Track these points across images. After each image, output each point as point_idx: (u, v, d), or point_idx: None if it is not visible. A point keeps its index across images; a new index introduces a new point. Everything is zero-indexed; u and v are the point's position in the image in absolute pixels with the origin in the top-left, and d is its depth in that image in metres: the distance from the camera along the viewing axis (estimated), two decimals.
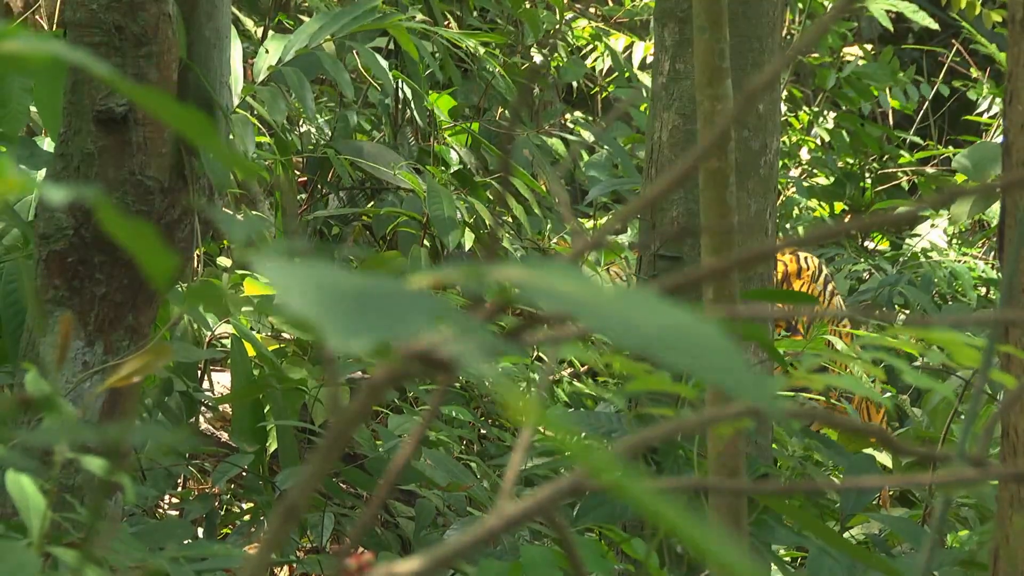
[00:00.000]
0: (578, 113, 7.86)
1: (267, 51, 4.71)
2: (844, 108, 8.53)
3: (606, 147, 7.34)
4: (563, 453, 4.11)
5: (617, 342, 0.71)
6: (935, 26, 8.26)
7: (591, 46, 7.82)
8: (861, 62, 8.38)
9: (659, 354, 0.70)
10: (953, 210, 6.18)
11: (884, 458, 5.03)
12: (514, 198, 5.64)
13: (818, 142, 8.37)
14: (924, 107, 9.06)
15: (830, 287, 6.00)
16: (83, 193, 0.79)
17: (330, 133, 6.01)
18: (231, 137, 3.42)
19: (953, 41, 8.92)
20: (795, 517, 1.84)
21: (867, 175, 8.48)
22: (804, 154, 8.29)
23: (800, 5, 8.27)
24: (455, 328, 0.76)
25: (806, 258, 5.98)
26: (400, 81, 5.80)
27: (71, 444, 1.78)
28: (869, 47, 8.61)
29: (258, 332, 4.51)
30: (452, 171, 5.94)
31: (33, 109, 3.79)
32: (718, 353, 0.72)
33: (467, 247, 5.37)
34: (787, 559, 3.83)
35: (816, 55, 8.35)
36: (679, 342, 0.72)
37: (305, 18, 6.17)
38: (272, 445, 4.09)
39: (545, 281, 0.74)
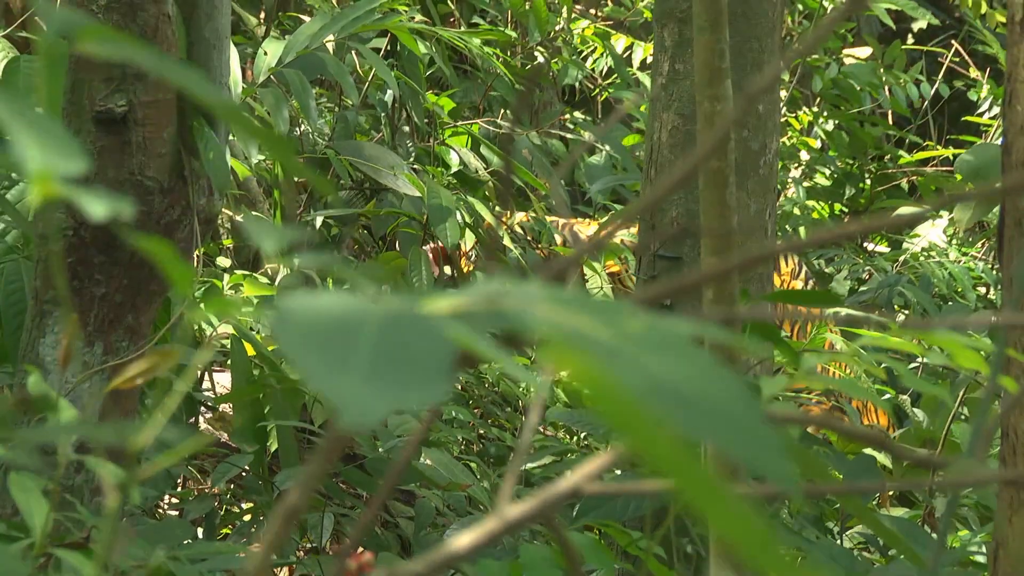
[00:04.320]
0: (578, 114, 7.85)
1: (265, 53, 4.70)
2: (841, 109, 8.52)
3: (606, 148, 7.33)
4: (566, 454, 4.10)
5: (635, 394, 0.69)
6: (936, 22, 8.26)
7: (591, 47, 7.81)
8: (864, 62, 8.37)
9: (680, 424, 0.68)
10: (955, 213, 6.17)
11: (884, 458, 5.02)
12: (519, 196, 5.64)
13: (818, 143, 8.37)
14: (924, 106, 9.06)
15: (811, 285, 6.00)
16: (116, 208, 0.79)
17: (330, 133, 6.00)
18: (232, 138, 3.42)
19: (953, 41, 8.92)
20: (845, 503, 1.85)
21: (866, 175, 8.47)
22: (803, 155, 8.28)
23: (799, 6, 8.26)
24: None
25: (785, 256, 5.98)
26: (400, 82, 5.80)
27: (74, 445, 1.77)
28: (870, 51, 8.60)
29: (258, 332, 4.51)
30: (452, 172, 5.94)
31: None
32: (742, 423, 0.70)
33: (467, 246, 5.37)
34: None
35: (816, 56, 8.34)
36: (702, 409, 0.69)
37: (306, 18, 6.17)
38: (272, 445, 4.09)
39: (573, 320, 0.73)
